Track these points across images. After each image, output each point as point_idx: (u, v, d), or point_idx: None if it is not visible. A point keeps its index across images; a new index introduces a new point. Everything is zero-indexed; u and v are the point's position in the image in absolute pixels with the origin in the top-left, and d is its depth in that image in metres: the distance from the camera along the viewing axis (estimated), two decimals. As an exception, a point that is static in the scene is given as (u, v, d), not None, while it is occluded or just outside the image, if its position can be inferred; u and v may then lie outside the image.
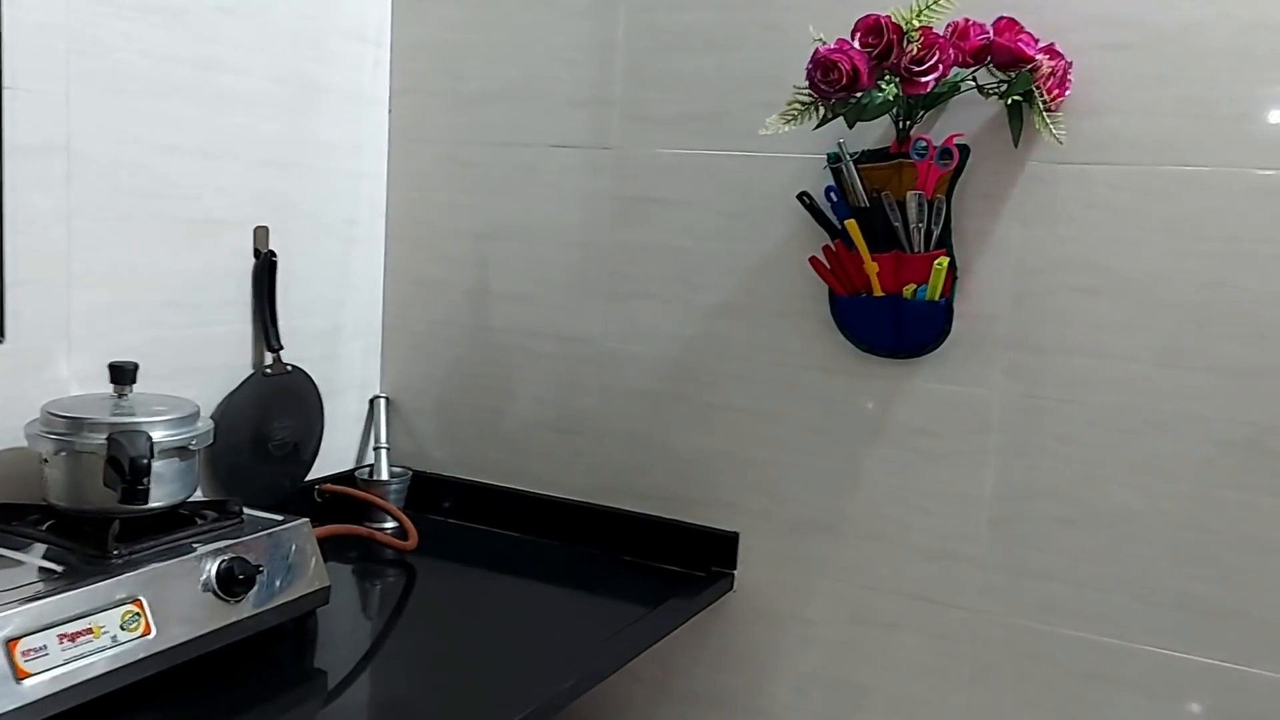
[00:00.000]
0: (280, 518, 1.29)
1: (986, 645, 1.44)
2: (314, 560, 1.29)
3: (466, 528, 1.76)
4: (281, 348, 1.60)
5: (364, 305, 1.80)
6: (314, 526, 1.32)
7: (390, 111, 1.78)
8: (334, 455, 1.76)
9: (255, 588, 1.19)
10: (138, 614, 1.07)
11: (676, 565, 1.60)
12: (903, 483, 1.47)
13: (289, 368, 1.62)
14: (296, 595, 1.25)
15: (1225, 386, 1.29)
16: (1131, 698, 1.37)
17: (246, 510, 1.30)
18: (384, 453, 1.79)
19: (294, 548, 1.27)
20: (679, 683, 1.64)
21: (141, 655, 1.07)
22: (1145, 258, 1.31)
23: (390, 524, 1.70)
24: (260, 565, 1.19)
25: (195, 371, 1.49)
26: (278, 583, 1.23)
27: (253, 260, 1.57)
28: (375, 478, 1.76)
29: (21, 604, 0.99)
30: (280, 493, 1.61)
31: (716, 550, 1.58)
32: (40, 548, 1.16)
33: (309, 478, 1.70)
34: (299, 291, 1.64)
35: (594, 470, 1.67)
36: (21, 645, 0.97)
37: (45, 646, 0.99)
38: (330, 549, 1.52)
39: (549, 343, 1.69)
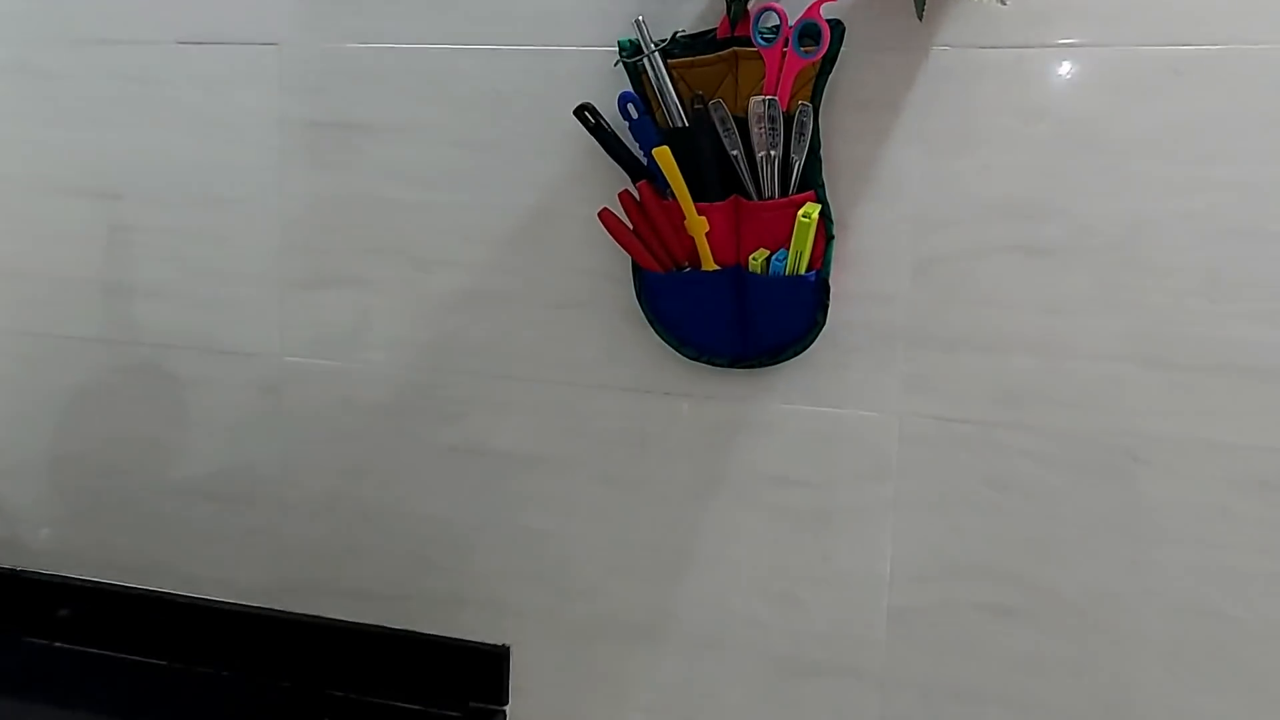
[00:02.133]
0: None
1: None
2: None
3: (82, 653, 1.30)
4: None
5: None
6: None
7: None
8: None
9: None
10: None
11: (414, 702, 1.19)
12: (757, 558, 1.09)
13: None
14: None
15: (1260, 396, 0.92)
16: None
17: None
18: (-61, 544, 1.18)
19: None
20: None
21: None
22: (1127, 195, 0.95)
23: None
24: None
25: None
26: None
27: None
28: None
29: None
30: None
31: (477, 675, 1.18)
32: None
33: None
34: None
35: (278, 558, 1.23)
36: None
37: None
38: None
39: (203, 361, 1.22)
